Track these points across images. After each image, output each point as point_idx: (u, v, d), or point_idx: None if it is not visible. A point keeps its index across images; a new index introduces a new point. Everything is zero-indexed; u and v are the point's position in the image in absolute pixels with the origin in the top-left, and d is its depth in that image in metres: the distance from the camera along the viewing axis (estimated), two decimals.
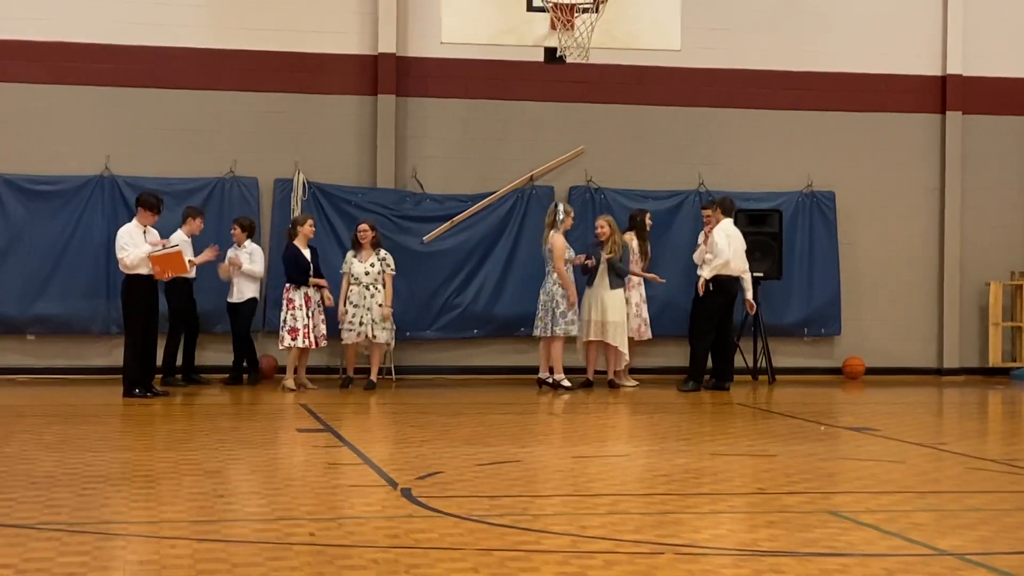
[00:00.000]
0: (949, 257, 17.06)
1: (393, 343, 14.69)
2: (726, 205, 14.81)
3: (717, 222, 14.70)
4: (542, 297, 14.47)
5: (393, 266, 14.49)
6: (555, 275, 14.34)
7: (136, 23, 15.44)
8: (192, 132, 15.60)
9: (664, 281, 15.21)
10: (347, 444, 9.91)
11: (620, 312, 14.59)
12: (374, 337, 14.32)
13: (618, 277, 14.57)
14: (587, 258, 14.58)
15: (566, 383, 14.34)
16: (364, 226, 14.55)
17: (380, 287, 14.39)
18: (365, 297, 14.35)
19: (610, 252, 14.41)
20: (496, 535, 6.44)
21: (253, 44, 15.68)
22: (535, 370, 14.90)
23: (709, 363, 14.86)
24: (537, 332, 14.52)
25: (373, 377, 14.43)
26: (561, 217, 14.44)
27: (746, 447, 10.06)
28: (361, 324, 14.33)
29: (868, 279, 16.97)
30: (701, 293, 14.57)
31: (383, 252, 14.50)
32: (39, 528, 6.45)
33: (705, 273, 14.62)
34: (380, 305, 14.31)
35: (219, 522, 6.83)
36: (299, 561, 5.85)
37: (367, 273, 14.36)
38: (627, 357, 14.81)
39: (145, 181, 14.91)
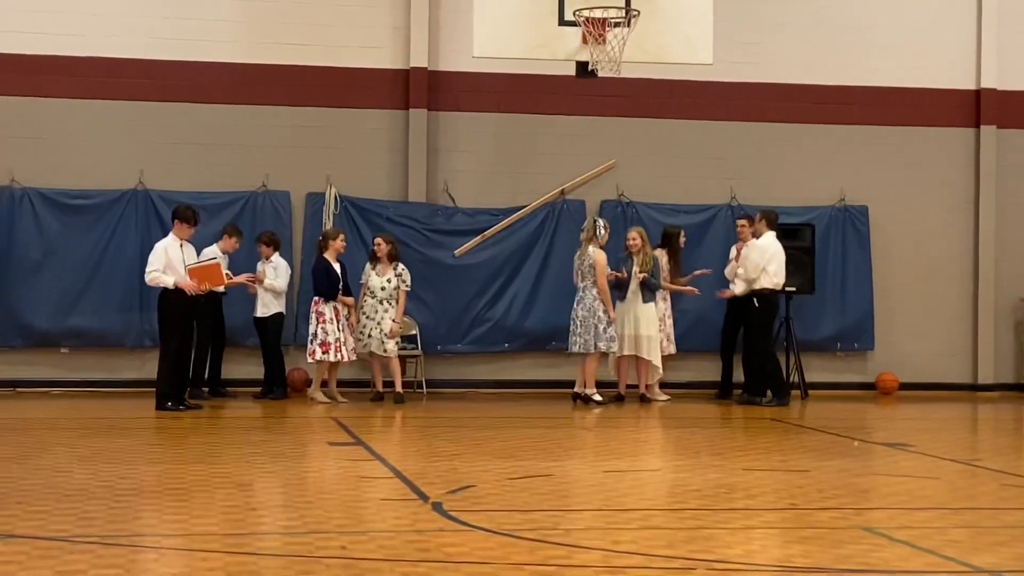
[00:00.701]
0: (983, 272, 16.94)
1: (396, 355, 14.54)
2: (771, 218, 14.69)
3: (756, 234, 14.61)
4: (581, 312, 14.28)
5: (408, 282, 14.46)
6: (595, 291, 14.26)
7: (169, 38, 15.54)
8: (225, 146, 15.68)
9: (698, 292, 15.19)
10: (378, 457, 9.91)
11: (653, 326, 14.55)
12: (384, 351, 14.32)
13: (650, 291, 14.53)
14: (619, 271, 14.56)
15: (597, 397, 14.30)
16: (379, 239, 14.56)
17: (394, 303, 14.39)
18: (378, 311, 14.35)
19: (641, 268, 14.39)
20: (527, 549, 6.42)
21: (285, 59, 15.75)
22: (566, 384, 14.87)
23: (741, 377, 14.87)
24: (577, 348, 14.38)
25: (399, 389, 14.43)
26: (602, 232, 14.38)
27: (779, 462, 10.00)
28: (370, 336, 14.34)
29: (901, 294, 16.87)
30: (721, 295, 14.79)
31: (400, 267, 14.47)
32: (72, 541, 6.47)
33: (737, 290, 14.60)
34: (393, 320, 14.31)
35: (250, 535, 6.84)
36: (330, 575, 5.84)
37: (383, 288, 14.36)
38: (660, 371, 14.77)
39: (178, 195, 14.96)
